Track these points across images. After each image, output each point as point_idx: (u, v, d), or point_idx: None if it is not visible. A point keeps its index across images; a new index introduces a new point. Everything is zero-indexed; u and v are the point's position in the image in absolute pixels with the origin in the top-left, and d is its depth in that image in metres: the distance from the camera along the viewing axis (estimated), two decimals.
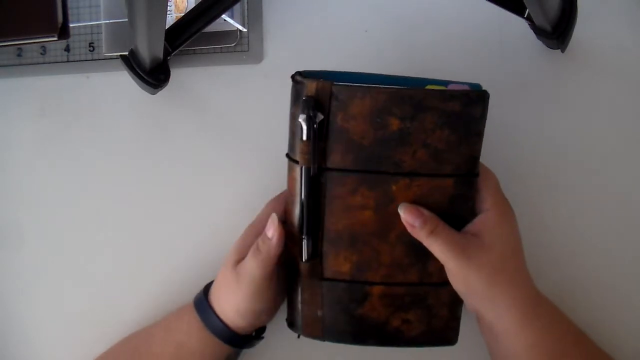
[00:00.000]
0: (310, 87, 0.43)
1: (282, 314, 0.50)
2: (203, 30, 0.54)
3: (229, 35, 0.57)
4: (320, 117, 0.43)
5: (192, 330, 0.49)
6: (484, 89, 0.44)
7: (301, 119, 0.43)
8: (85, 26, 0.58)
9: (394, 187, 0.44)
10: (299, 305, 0.47)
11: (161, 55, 0.52)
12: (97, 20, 0.58)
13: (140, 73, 0.52)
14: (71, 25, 0.52)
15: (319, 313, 0.47)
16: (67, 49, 0.59)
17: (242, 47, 0.57)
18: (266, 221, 0.47)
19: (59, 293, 0.57)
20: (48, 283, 0.57)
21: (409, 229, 0.44)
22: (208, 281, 0.51)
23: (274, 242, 0.45)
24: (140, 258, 0.56)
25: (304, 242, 0.45)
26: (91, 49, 0.58)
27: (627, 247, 0.52)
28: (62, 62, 0.59)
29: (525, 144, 0.53)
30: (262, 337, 0.51)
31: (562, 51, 0.52)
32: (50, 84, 0.59)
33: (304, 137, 0.43)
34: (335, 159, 0.44)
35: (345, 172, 0.44)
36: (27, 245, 0.58)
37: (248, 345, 0.50)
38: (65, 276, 0.57)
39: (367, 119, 0.43)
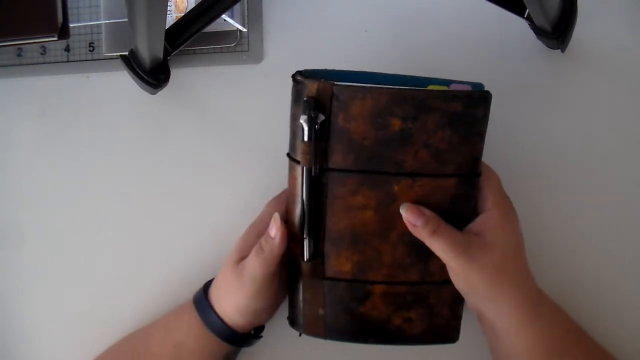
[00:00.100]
0: (311, 87, 0.43)
1: (282, 312, 0.51)
2: (203, 30, 0.54)
3: (229, 35, 0.57)
4: (322, 117, 0.43)
5: (192, 329, 0.49)
6: (486, 89, 0.44)
7: (302, 119, 0.43)
8: (85, 26, 0.58)
9: (395, 188, 0.44)
10: (301, 304, 0.47)
11: (161, 55, 0.52)
12: (97, 20, 0.58)
13: (140, 73, 0.52)
14: (71, 25, 0.52)
15: (321, 312, 0.47)
16: (67, 49, 0.59)
17: (242, 47, 0.57)
18: (267, 221, 0.47)
19: (59, 293, 0.57)
20: (48, 283, 0.57)
21: (411, 229, 0.44)
22: (206, 281, 0.51)
23: (277, 241, 0.45)
24: (140, 258, 0.56)
25: (305, 242, 0.45)
26: (91, 49, 0.58)
27: (627, 247, 0.52)
28: (62, 62, 0.59)
29: (525, 144, 0.53)
30: (261, 336, 0.51)
31: (562, 51, 0.52)
32: (50, 84, 0.59)
33: (305, 138, 0.43)
34: (336, 159, 0.44)
35: (347, 173, 0.44)
36: (27, 245, 0.58)
37: (247, 344, 0.50)
38: (65, 276, 0.57)
39: (368, 120, 0.43)
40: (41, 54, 0.59)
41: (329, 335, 0.48)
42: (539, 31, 0.51)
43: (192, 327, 0.49)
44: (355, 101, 0.43)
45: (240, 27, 0.56)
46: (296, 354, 0.53)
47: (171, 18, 0.56)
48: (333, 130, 0.44)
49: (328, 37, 0.56)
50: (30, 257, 0.57)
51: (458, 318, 0.48)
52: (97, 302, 0.56)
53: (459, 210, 0.45)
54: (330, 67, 0.45)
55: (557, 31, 0.50)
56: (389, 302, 0.46)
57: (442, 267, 0.45)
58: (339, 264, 0.46)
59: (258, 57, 0.57)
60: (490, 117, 0.44)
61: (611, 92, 0.54)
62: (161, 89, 0.56)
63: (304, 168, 0.44)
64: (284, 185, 0.48)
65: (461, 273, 0.44)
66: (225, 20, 0.55)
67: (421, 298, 0.47)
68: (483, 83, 0.46)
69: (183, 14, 0.54)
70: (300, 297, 0.47)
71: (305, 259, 0.46)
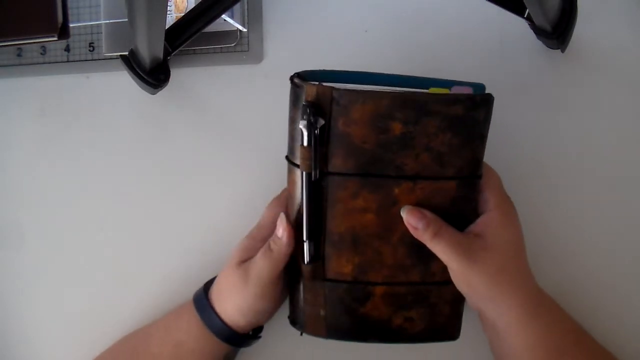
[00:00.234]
0: (311, 91, 0.42)
1: (282, 312, 0.51)
2: (203, 30, 0.54)
3: (229, 35, 0.57)
4: (321, 122, 0.43)
5: (191, 329, 0.49)
6: (488, 92, 0.44)
7: (302, 125, 0.42)
8: (85, 26, 0.58)
9: (396, 190, 0.44)
10: (301, 305, 0.47)
11: (161, 55, 0.52)
12: (97, 20, 0.58)
13: (140, 73, 0.52)
14: (71, 25, 0.52)
15: (322, 313, 0.47)
16: (67, 49, 0.59)
17: (242, 47, 0.57)
18: (270, 222, 0.48)
19: (59, 293, 0.57)
20: (48, 283, 0.57)
21: (412, 232, 0.44)
22: (207, 281, 0.51)
23: (284, 241, 0.45)
24: (140, 258, 0.56)
25: (306, 245, 0.45)
26: (91, 49, 0.58)
27: (627, 247, 0.52)
28: (62, 62, 0.59)
29: (525, 144, 0.53)
30: (260, 337, 0.51)
31: (562, 51, 0.52)
32: (50, 84, 0.59)
33: (305, 143, 0.43)
34: (336, 163, 0.44)
35: (347, 176, 0.44)
36: (27, 245, 0.58)
37: (245, 344, 0.50)
38: (65, 276, 0.57)
39: (369, 124, 0.43)
40: (41, 54, 0.59)
41: (329, 335, 0.48)
42: (539, 31, 0.51)
43: (191, 327, 0.49)
44: (356, 105, 0.42)
45: (240, 27, 0.56)
46: (296, 354, 0.53)
47: (171, 18, 0.56)
48: (333, 134, 0.43)
49: (328, 37, 0.56)
50: (30, 257, 0.57)
51: (459, 316, 0.48)
52: (97, 302, 0.56)
53: (460, 211, 0.45)
54: (330, 67, 0.45)
55: (557, 31, 0.50)
56: (390, 302, 0.46)
57: (443, 267, 0.45)
58: (339, 265, 0.46)
59: (258, 57, 0.57)
60: (489, 124, 0.44)
61: (611, 92, 0.54)
62: (161, 89, 0.56)
63: (304, 173, 0.44)
64: (284, 185, 0.48)
65: (462, 274, 0.44)
66: (225, 20, 0.55)
67: (422, 298, 0.47)
68: (483, 83, 0.46)
69: (183, 14, 0.54)
70: (301, 298, 0.47)
71: (305, 262, 0.46)
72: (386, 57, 0.55)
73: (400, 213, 0.44)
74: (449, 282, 0.45)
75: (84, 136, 0.58)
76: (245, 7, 0.57)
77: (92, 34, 0.58)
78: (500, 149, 0.50)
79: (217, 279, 0.50)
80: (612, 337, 0.49)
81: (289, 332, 0.49)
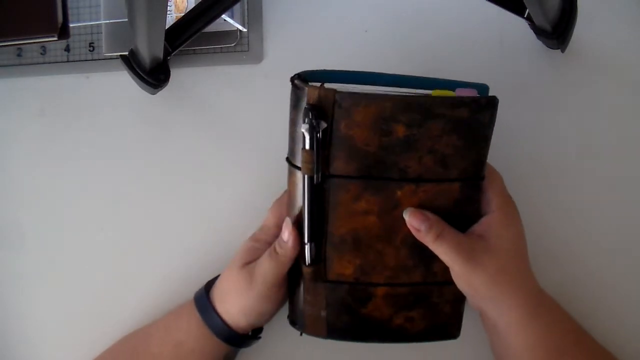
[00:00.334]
0: (312, 94, 0.42)
1: (281, 312, 0.51)
2: (203, 30, 0.54)
3: (229, 35, 0.57)
4: (323, 125, 0.42)
5: (191, 329, 0.49)
6: (493, 94, 0.44)
7: (304, 128, 0.42)
8: (85, 26, 0.58)
9: (399, 193, 0.44)
10: (302, 306, 0.47)
11: (161, 55, 0.52)
12: (97, 20, 0.58)
13: (140, 73, 0.52)
14: (71, 25, 0.52)
15: (323, 313, 0.47)
16: (67, 49, 0.59)
17: (242, 47, 0.57)
18: (273, 224, 0.48)
19: (59, 293, 0.57)
20: (48, 283, 0.57)
21: (415, 234, 0.44)
22: (208, 281, 0.51)
23: (290, 244, 0.45)
24: (141, 258, 0.56)
25: (307, 247, 0.45)
26: (91, 49, 0.58)
27: (627, 247, 0.52)
28: (62, 62, 0.59)
29: (525, 143, 0.53)
30: (260, 337, 0.51)
31: (562, 51, 0.52)
32: (50, 84, 0.59)
33: (307, 146, 0.43)
34: (338, 165, 0.44)
35: (349, 179, 0.44)
36: (27, 245, 0.58)
37: (245, 344, 0.50)
38: (65, 276, 0.57)
39: (371, 126, 0.42)
40: (41, 54, 0.59)
41: (330, 335, 0.48)
42: (539, 31, 0.51)
43: (192, 326, 0.49)
44: (359, 108, 0.42)
45: (240, 27, 0.56)
46: (296, 354, 0.53)
47: (171, 18, 0.56)
48: (335, 137, 0.43)
49: (328, 37, 0.56)
50: (30, 257, 0.57)
51: (459, 315, 0.48)
52: (97, 302, 0.56)
53: (462, 212, 0.45)
54: (330, 67, 0.45)
55: (557, 31, 0.50)
56: (391, 303, 0.46)
57: (445, 268, 0.45)
58: (341, 267, 0.46)
59: (258, 57, 0.57)
60: (493, 126, 0.44)
61: (611, 92, 0.53)
62: (161, 89, 0.56)
63: (306, 176, 0.43)
64: (284, 185, 0.48)
65: (464, 276, 0.44)
66: (225, 20, 0.55)
67: (423, 298, 0.47)
68: (487, 84, 0.45)
69: (183, 14, 0.54)
70: (302, 299, 0.47)
71: (306, 264, 0.46)
72: (386, 57, 0.55)
73: (402, 215, 0.44)
74: (450, 282, 0.45)
75: (84, 136, 0.58)
76: (245, 7, 0.57)
77: (92, 34, 0.58)
78: (501, 149, 0.50)
79: (219, 279, 0.50)
80: (612, 337, 0.49)
81: (288, 332, 0.49)
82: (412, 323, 0.47)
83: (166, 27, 0.51)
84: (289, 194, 0.46)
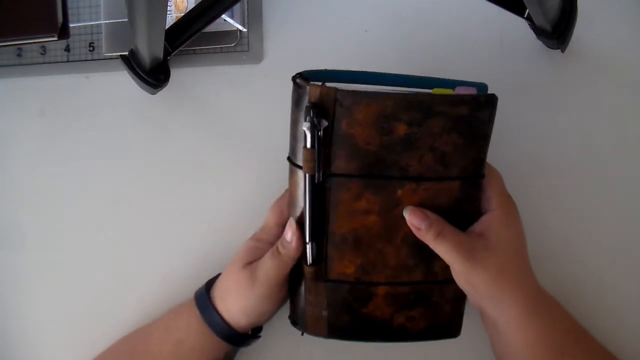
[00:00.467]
0: (314, 92, 0.42)
1: (281, 312, 0.51)
2: (203, 30, 0.54)
3: (229, 35, 0.57)
4: (325, 123, 0.42)
5: (192, 327, 0.49)
6: (492, 92, 0.44)
7: (305, 127, 0.42)
8: (85, 26, 0.58)
9: (399, 192, 0.44)
10: (303, 305, 0.47)
11: (161, 55, 0.52)
12: (97, 20, 0.58)
13: (140, 73, 0.52)
14: (71, 25, 0.52)
15: (324, 313, 0.47)
16: (67, 49, 0.59)
17: (242, 47, 0.57)
18: (275, 224, 0.48)
19: (59, 293, 0.57)
20: (48, 283, 0.57)
21: (415, 232, 0.44)
22: (208, 280, 0.51)
23: (293, 245, 0.45)
24: (140, 258, 0.56)
25: (308, 247, 0.45)
26: (91, 49, 0.58)
27: (627, 247, 0.52)
28: (62, 62, 0.59)
29: (525, 143, 0.53)
30: (259, 336, 0.51)
31: (562, 51, 0.52)
32: (50, 84, 0.59)
33: (308, 145, 0.43)
34: (339, 164, 0.44)
35: (350, 178, 0.44)
36: (27, 245, 0.58)
37: (245, 344, 0.50)
38: (65, 276, 0.57)
39: (373, 125, 0.42)
40: (41, 54, 0.59)
41: (330, 334, 0.48)
42: (539, 31, 0.51)
43: (192, 325, 0.49)
44: (360, 106, 0.42)
45: (240, 27, 0.56)
46: (296, 354, 0.53)
47: (171, 18, 0.56)
48: (336, 135, 0.43)
49: (328, 37, 0.56)
50: (30, 257, 0.57)
51: (460, 314, 0.48)
52: (97, 302, 0.56)
53: (462, 211, 0.45)
54: (330, 67, 0.45)
55: (557, 31, 0.50)
56: (392, 302, 0.46)
57: (445, 266, 0.45)
58: (342, 266, 0.46)
59: (258, 57, 0.57)
60: (493, 124, 0.44)
61: (611, 92, 0.53)
62: (161, 89, 0.56)
63: (307, 175, 0.44)
64: (284, 185, 0.48)
65: (464, 274, 0.44)
66: (225, 20, 0.55)
67: (424, 297, 0.47)
68: (486, 83, 0.45)
69: (183, 14, 0.54)
70: (303, 299, 0.47)
71: (308, 263, 0.46)
72: (386, 57, 0.55)
73: (403, 214, 0.44)
74: (451, 281, 0.45)
75: (84, 136, 0.58)
76: (245, 7, 0.57)
77: (92, 34, 0.58)
78: (501, 148, 0.50)
79: (220, 278, 0.50)
80: (612, 337, 0.49)
81: (289, 332, 0.49)
82: (412, 322, 0.47)
83: (166, 27, 0.51)
84: (290, 193, 0.46)
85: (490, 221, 0.45)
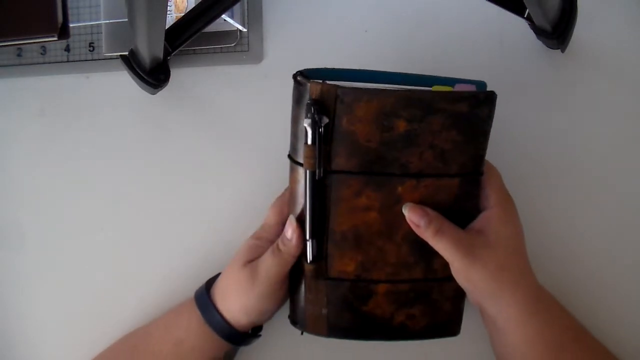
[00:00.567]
0: (315, 89, 0.42)
1: (281, 311, 0.51)
2: (203, 30, 0.54)
3: (229, 35, 0.57)
4: (326, 120, 0.42)
5: (192, 326, 0.49)
6: (491, 89, 0.44)
7: (306, 123, 0.42)
8: (85, 26, 0.58)
9: (400, 189, 0.44)
10: (303, 304, 0.47)
11: (161, 55, 0.52)
12: (97, 20, 0.58)
13: (140, 73, 0.52)
14: (71, 25, 0.52)
15: (324, 311, 0.47)
16: (67, 49, 0.59)
17: (242, 47, 0.57)
18: (275, 222, 0.48)
19: (59, 293, 0.57)
20: (48, 283, 0.57)
21: (414, 229, 0.44)
22: (208, 279, 0.51)
23: (294, 242, 0.46)
24: (141, 258, 0.56)
25: (309, 244, 0.45)
26: (91, 49, 0.58)
27: (627, 247, 0.52)
28: (62, 62, 0.59)
29: (525, 143, 0.53)
30: (260, 335, 0.51)
31: (562, 51, 0.52)
32: (50, 84, 0.59)
33: (309, 141, 0.43)
34: (340, 161, 0.44)
35: (350, 175, 0.44)
36: (27, 245, 0.58)
37: (245, 343, 0.50)
38: (65, 276, 0.57)
39: (373, 122, 0.43)
40: (41, 54, 0.59)
41: (330, 333, 0.48)
42: (539, 31, 0.51)
43: (192, 324, 0.49)
44: (361, 103, 0.42)
45: (240, 27, 0.56)
46: (296, 353, 0.53)
47: (171, 18, 0.56)
48: (337, 132, 0.43)
49: (328, 37, 0.56)
50: (30, 257, 0.57)
51: (460, 312, 0.48)
52: (97, 302, 0.56)
53: (462, 208, 0.45)
54: (330, 67, 0.45)
55: (557, 31, 0.50)
56: (392, 300, 0.47)
57: (445, 264, 0.45)
58: (342, 264, 0.46)
59: (258, 57, 0.57)
60: (492, 121, 0.44)
61: (611, 92, 0.54)
62: (161, 89, 0.56)
63: (307, 172, 0.44)
64: (284, 185, 0.48)
65: (464, 271, 0.44)
66: (225, 20, 0.55)
67: (424, 295, 0.47)
68: (484, 81, 0.46)
69: (183, 14, 0.54)
70: (303, 297, 0.47)
71: (308, 261, 0.46)
72: (386, 57, 0.55)
73: (402, 211, 0.44)
74: (450, 278, 0.45)
75: (84, 136, 0.58)
76: (245, 7, 0.57)
77: (92, 34, 0.58)
78: (501, 148, 0.50)
79: (220, 277, 0.50)
80: (612, 336, 0.49)
81: (289, 331, 0.49)
82: (412, 320, 0.47)
83: (166, 27, 0.51)
84: (290, 191, 0.46)
85: (489, 218, 0.45)
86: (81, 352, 0.54)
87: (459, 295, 0.47)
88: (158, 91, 0.56)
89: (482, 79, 0.46)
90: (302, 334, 0.49)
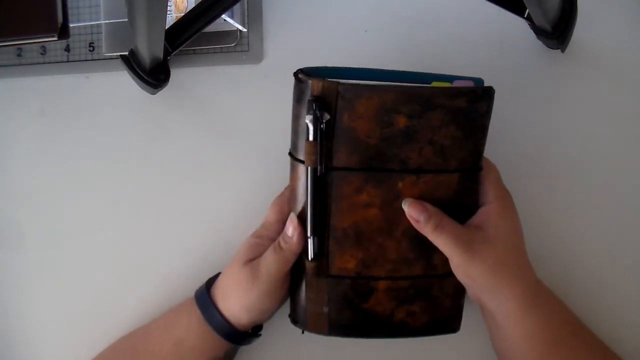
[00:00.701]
0: (316, 86, 0.43)
1: (281, 311, 0.51)
2: (203, 30, 0.54)
3: (229, 35, 0.57)
4: (327, 116, 0.43)
5: (192, 326, 0.49)
6: (489, 85, 0.44)
7: (308, 119, 0.43)
8: (85, 26, 0.58)
9: (400, 185, 0.45)
10: (304, 303, 0.47)
11: (161, 55, 0.52)
12: (97, 20, 0.58)
13: (140, 73, 0.52)
14: (71, 25, 0.52)
15: (325, 309, 0.47)
16: (67, 49, 0.59)
17: (242, 47, 0.57)
18: (275, 220, 0.48)
19: (59, 293, 0.57)
20: (48, 283, 0.57)
21: (414, 224, 0.44)
22: (209, 278, 0.51)
23: (295, 240, 0.46)
24: (141, 257, 0.56)
25: (310, 242, 0.46)
26: (91, 49, 0.58)
27: (627, 247, 0.52)
28: (62, 62, 0.59)
29: (525, 144, 0.53)
30: (260, 335, 0.51)
31: (562, 51, 0.52)
32: (50, 84, 0.59)
33: (311, 138, 0.43)
34: (340, 158, 0.44)
35: (351, 171, 0.44)
36: (27, 245, 0.58)
37: (246, 342, 0.50)
38: (65, 276, 0.57)
39: (373, 118, 0.43)
40: (41, 54, 0.59)
41: (331, 332, 0.48)
42: (539, 31, 0.51)
43: (192, 324, 0.49)
44: (362, 100, 0.43)
45: (240, 27, 0.56)
46: (296, 352, 0.53)
47: (171, 18, 0.56)
48: (337, 129, 0.43)
49: (328, 37, 0.56)
50: (30, 257, 0.57)
51: (460, 309, 0.48)
52: (97, 302, 0.56)
53: (461, 203, 0.46)
54: (330, 65, 0.45)
55: (557, 31, 0.50)
56: (393, 297, 0.47)
57: (445, 260, 0.45)
58: (343, 261, 0.46)
59: (258, 57, 0.57)
60: (490, 116, 0.44)
61: (611, 92, 0.54)
62: (161, 89, 0.56)
63: (309, 168, 0.44)
64: (284, 184, 0.48)
65: (463, 266, 0.44)
66: (225, 20, 0.55)
67: (424, 291, 0.47)
68: (482, 78, 0.46)
69: (183, 14, 0.54)
70: (303, 296, 0.47)
71: (309, 259, 0.46)
72: (386, 57, 0.55)
73: (402, 207, 0.45)
74: (450, 274, 0.46)
75: (84, 136, 0.58)
76: (245, 7, 0.57)
77: (92, 34, 0.58)
78: (501, 148, 0.50)
79: (221, 276, 0.50)
80: (611, 336, 0.49)
81: (289, 331, 0.49)
82: (413, 317, 0.47)
83: (166, 27, 0.51)
84: (291, 188, 0.46)
85: (487, 214, 0.45)
86: (81, 352, 0.54)
87: (459, 291, 0.47)
88: (158, 91, 0.56)
89: (482, 79, 0.46)
90: (302, 333, 0.49)
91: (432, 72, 0.46)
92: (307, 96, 0.43)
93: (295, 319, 0.49)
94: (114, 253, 0.57)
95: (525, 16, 0.50)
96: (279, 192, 0.50)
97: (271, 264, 0.46)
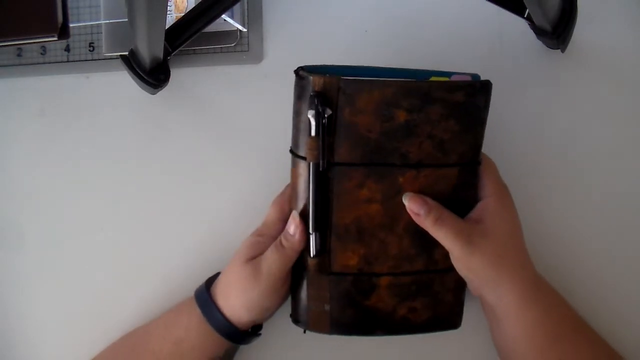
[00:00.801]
0: (318, 82, 0.43)
1: (281, 310, 0.51)
2: (203, 30, 0.54)
3: (229, 35, 0.57)
4: (329, 112, 0.43)
5: (192, 325, 0.49)
6: (486, 79, 0.44)
7: (310, 114, 0.43)
8: (85, 26, 0.58)
9: (400, 179, 0.45)
10: (305, 301, 0.48)
11: (161, 55, 0.52)
12: (97, 20, 0.58)
13: (140, 73, 0.52)
14: (71, 25, 0.52)
15: (326, 308, 0.47)
16: (67, 49, 0.59)
17: (242, 47, 0.57)
18: (276, 219, 0.48)
19: (59, 293, 0.57)
20: (48, 283, 0.57)
21: (414, 218, 0.45)
22: (208, 278, 0.51)
23: (297, 237, 0.46)
24: (141, 257, 0.56)
25: (312, 238, 0.46)
26: (91, 49, 0.58)
27: (627, 247, 0.52)
28: (62, 62, 0.59)
29: (525, 143, 0.54)
30: (260, 334, 0.51)
31: (562, 51, 0.52)
32: (50, 84, 0.59)
33: (313, 133, 0.43)
34: (342, 153, 0.44)
35: (353, 166, 0.45)
36: (27, 245, 0.58)
37: (246, 341, 0.50)
38: (65, 276, 0.57)
39: (374, 112, 0.43)
40: (41, 54, 0.59)
41: (333, 330, 0.48)
42: (539, 31, 0.51)
43: (192, 323, 0.49)
44: (362, 94, 0.43)
45: (240, 27, 0.56)
46: (296, 351, 0.53)
47: (171, 18, 0.56)
48: (339, 124, 0.44)
49: (328, 37, 0.56)
50: (30, 257, 0.57)
51: (461, 304, 0.48)
52: (97, 302, 0.56)
53: (460, 197, 0.46)
54: (330, 64, 0.45)
55: (557, 31, 0.50)
56: (394, 293, 0.47)
57: (446, 255, 0.46)
58: (345, 258, 0.46)
59: (258, 57, 0.57)
60: (490, 116, 0.45)
61: (611, 92, 0.54)
62: (161, 89, 0.56)
63: (311, 164, 0.44)
64: (284, 184, 0.48)
65: (463, 259, 0.45)
66: (225, 20, 0.55)
67: (425, 287, 0.47)
68: (478, 74, 0.46)
69: (183, 14, 0.54)
70: (305, 294, 0.47)
71: (311, 255, 0.46)
72: (386, 57, 0.55)
73: (403, 201, 0.45)
74: (451, 268, 0.46)
75: (84, 136, 0.58)
76: (245, 7, 0.57)
77: (92, 34, 0.58)
78: (501, 148, 0.50)
79: (221, 275, 0.50)
80: (611, 336, 0.49)
81: (289, 330, 0.49)
82: (414, 314, 0.47)
83: (166, 27, 0.51)
84: (292, 186, 0.46)
85: (486, 207, 0.46)
86: (81, 352, 0.54)
87: (460, 286, 0.48)
88: (158, 91, 0.56)
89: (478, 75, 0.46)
90: (304, 332, 0.49)
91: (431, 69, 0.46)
92: (308, 92, 0.43)
93: (296, 319, 0.49)
94: (114, 253, 0.57)
95: (525, 16, 0.50)
96: (279, 191, 0.50)
97: (272, 262, 0.46)
